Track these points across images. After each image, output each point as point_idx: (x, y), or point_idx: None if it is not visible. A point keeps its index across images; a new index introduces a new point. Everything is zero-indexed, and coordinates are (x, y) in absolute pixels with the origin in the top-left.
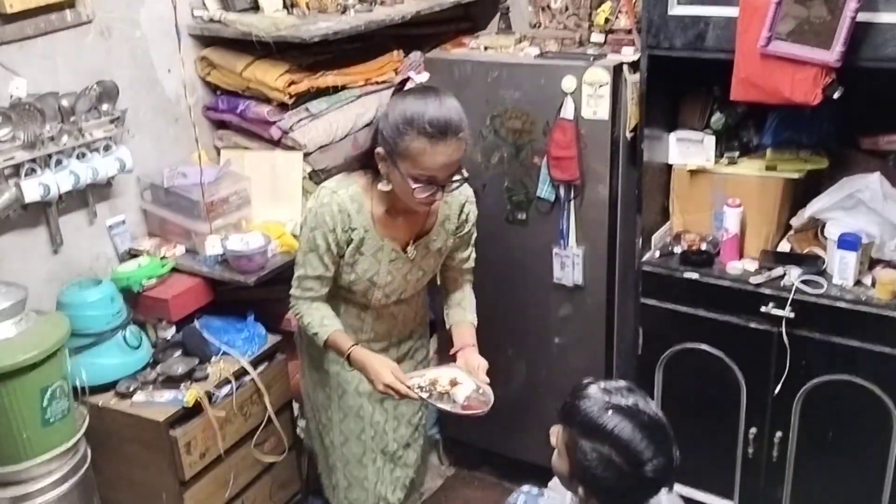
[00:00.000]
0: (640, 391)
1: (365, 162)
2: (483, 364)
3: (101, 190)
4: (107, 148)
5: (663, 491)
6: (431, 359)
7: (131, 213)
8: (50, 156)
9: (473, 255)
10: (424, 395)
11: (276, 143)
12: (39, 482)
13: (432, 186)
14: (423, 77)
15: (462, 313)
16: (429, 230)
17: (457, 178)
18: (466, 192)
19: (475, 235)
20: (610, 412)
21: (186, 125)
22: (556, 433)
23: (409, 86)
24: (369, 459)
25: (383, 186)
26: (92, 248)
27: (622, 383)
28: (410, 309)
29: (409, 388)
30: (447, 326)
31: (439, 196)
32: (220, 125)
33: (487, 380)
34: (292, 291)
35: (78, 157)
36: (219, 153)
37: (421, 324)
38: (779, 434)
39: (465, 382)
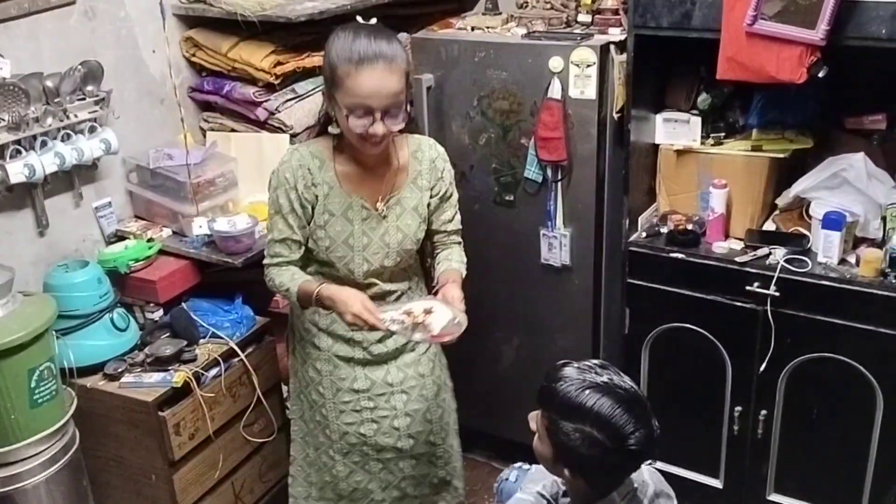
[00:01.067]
0: (612, 367)
1: (325, 128)
2: (459, 295)
3: (86, 172)
4: (92, 129)
5: (643, 466)
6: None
7: (117, 195)
8: (35, 137)
9: (458, 217)
10: (395, 327)
11: (262, 125)
12: (28, 463)
13: (369, 117)
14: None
15: (448, 263)
16: (399, 187)
17: (398, 113)
18: (437, 148)
19: (456, 195)
20: (588, 391)
21: (172, 106)
22: (535, 418)
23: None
24: (359, 454)
25: (333, 129)
26: (78, 230)
27: (594, 361)
28: (401, 291)
29: (378, 319)
30: (434, 285)
31: (380, 130)
32: (206, 106)
33: (463, 307)
34: (264, 261)
35: (63, 139)
36: (205, 135)
37: None
38: (764, 412)
39: (441, 311)
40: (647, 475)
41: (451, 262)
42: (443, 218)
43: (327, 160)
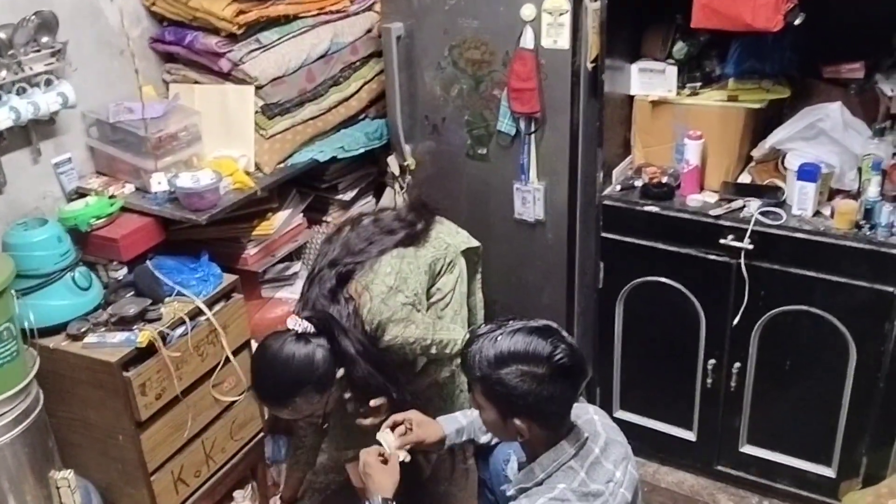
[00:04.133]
0: (515, 316)
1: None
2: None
3: (44, 127)
4: (48, 82)
5: (596, 417)
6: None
7: (77, 151)
8: None
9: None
10: None
11: (226, 76)
12: None
13: None
14: (301, 325)
15: None
16: None
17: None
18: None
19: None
20: (499, 339)
21: (132, 58)
22: (471, 398)
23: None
24: None
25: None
26: (37, 187)
27: (500, 318)
28: None
29: None
30: None
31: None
32: (169, 58)
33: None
34: None
35: (18, 93)
36: (168, 87)
37: None
38: (737, 365)
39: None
40: (600, 426)
41: None
42: None
43: None
